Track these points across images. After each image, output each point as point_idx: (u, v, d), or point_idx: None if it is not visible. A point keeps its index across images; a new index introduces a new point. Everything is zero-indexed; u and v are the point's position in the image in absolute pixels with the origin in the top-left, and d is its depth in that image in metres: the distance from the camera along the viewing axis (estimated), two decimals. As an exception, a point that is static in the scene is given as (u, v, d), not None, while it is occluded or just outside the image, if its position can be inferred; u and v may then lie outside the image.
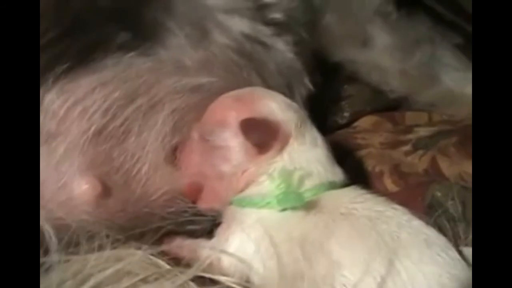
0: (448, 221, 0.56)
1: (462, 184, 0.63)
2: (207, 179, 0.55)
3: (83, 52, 0.54)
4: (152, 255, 0.49)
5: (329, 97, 0.87)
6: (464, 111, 0.80)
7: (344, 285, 0.44)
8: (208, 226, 0.55)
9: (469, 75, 0.84)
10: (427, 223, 0.49)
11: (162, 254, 0.49)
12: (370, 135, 0.80)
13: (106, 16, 0.56)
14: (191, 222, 0.56)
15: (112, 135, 0.54)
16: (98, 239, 0.49)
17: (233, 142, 0.53)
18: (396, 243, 0.45)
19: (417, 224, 0.48)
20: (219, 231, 0.52)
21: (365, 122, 0.87)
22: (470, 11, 0.90)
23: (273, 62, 0.68)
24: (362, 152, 0.74)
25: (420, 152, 0.71)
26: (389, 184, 0.67)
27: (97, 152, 0.53)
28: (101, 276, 0.46)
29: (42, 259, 0.46)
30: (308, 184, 0.51)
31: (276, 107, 0.54)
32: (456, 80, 0.87)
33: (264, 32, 0.68)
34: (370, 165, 0.70)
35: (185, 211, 0.56)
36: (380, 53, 0.86)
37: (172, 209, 0.56)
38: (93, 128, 0.53)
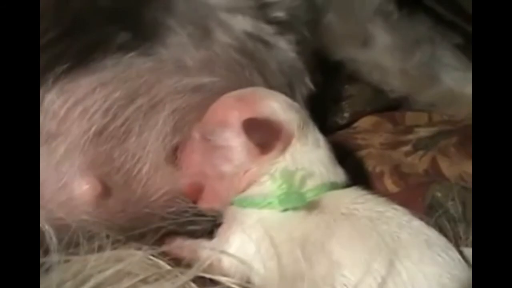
0: (448, 222, 0.56)
1: (462, 184, 0.63)
2: (208, 179, 0.54)
3: (83, 52, 0.54)
4: (153, 255, 0.49)
5: (330, 97, 0.87)
6: (464, 111, 0.80)
7: (345, 285, 0.43)
8: (209, 226, 0.55)
9: (469, 75, 0.84)
10: (428, 223, 0.49)
11: (163, 255, 0.49)
12: (370, 135, 0.79)
13: (106, 16, 0.56)
14: (192, 222, 0.56)
15: (113, 135, 0.54)
16: (98, 240, 0.49)
17: (235, 142, 0.53)
18: (396, 244, 0.45)
19: (418, 224, 0.48)
20: (220, 232, 0.52)
21: (365, 122, 0.87)
22: (470, 11, 0.90)
23: (275, 61, 0.68)
24: (362, 153, 0.74)
25: (420, 152, 0.71)
26: (390, 184, 0.67)
27: (97, 152, 0.53)
28: (101, 276, 0.46)
29: (42, 259, 0.46)
30: (310, 184, 0.51)
31: (278, 107, 0.54)
32: (456, 80, 0.87)
33: (266, 30, 0.68)
34: (370, 165, 0.70)
35: (186, 211, 0.56)
36: (381, 52, 0.86)
37: (173, 209, 0.56)
38: (93, 128, 0.53)
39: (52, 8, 0.50)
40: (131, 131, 0.55)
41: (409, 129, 0.80)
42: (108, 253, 0.48)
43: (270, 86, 0.63)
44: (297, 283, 0.45)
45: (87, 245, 0.49)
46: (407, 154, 0.72)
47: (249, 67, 0.64)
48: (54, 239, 0.48)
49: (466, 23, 0.97)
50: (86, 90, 0.54)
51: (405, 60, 0.86)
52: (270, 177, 0.51)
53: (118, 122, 0.54)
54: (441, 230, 0.51)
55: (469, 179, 0.63)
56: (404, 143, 0.75)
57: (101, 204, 0.52)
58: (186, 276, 0.47)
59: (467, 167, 0.65)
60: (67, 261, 0.47)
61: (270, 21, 0.69)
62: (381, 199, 0.51)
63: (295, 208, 0.49)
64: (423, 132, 0.78)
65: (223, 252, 0.49)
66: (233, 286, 0.48)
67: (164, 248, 0.51)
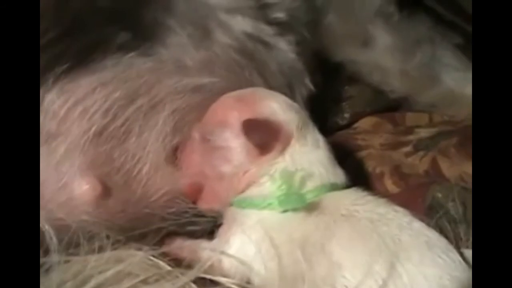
0: (448, 223, 0.56)
1: (462, 185, 0.63)
2: (207, 179, 0.54)
3: (83, 52, 0.54)
4: (153, 256, 0.49)
5: (330, 98, 0.87)
6: (465, 111, 0.80)
7: (345, 287, 0.43)
8: (209, 227, 0.55)
9: (470, 76, 0.83)
10: (428, 224, 0.49)
11: (163, 255, 0.49)
12: (370, 136, 0.79)
13: (106, 16, 0.56)
14: (192, 223, 0.55)
15: (113, 135, 0.54)
16: (99, 240, 0.49)
17: (234, 143, 0.53)
18: (397, 246, 0.45)
19: (418, 226, 0.48)
20: (220, 232, 0.52)
21: (365, 123, 0.87)
22: (470, 11, 0.90)
23: (275, 62, 0.68)
24: (363, 153, 0.74)
25: (421, 153, 0.71)
26: (390, 185, 0.67)
27: (97, 152, 0.53)
28: (102, 277, 0.46)
29: (42, 260, 0.46)
30: (310, 185, 0.51)
31: (278, 108, 0.54)
32: (457, 81, 0.87)
33: (266, 31, 0.68)
34: (371, 166, 0.70)
35: (186, 212, 0.56)
36: (381, 53, 0.86)
37: (173, 210, 0.56)
38: (93, 129, 0.53)
39: (52, 8, 0.50)
40: (131, 131, 0.55)
41: (410, 130, 0.80)
42: (108, 254, 0.48)
43: (270, 86, 0.63)
44: (297, 284, 0.45)
45: (87, 246, 0.49)
46: (408, 154, 0.72)
47: (249, 67, 0.64)
48: (54, 239, 0.48)
49: (466, 23, 0.97)
50: (86, 90, 0.54)
51: (406, 61, 0.86)
52: (269, 178, 0.50)
53: (118, 122, 0.54)
54: (442, 231, 0.51)
55: (470, 180, 0.63)
56: (405, 143, 0.75)
57: (101, 205, 0.52)
58: (187, 276, 0.47)
59: (468, 168, 0.65)
60: (67, 261, 0.47)
61: (270, 22, 0.69)
62: (382, 201, 0.51)
63: (295, 209, 0.48)
64: (423, 132, 0.78)
65: (223, 253, 0.49)
66: (233, 286, 0.48)
67: (165, 248, 0.51)
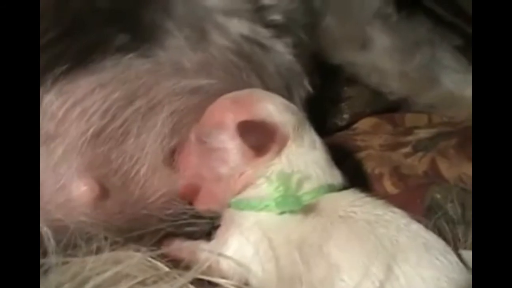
0: (447, 224, 0.56)
1: (461, 186, 0.63)
2: (204, 181, 0.54)
3: (82, 53, 0.54)
4: (151, 257, 0.49)
5: (329, 99, 0.87)
6: (464, 113, 0.80)
7: (343, 289, 0.43)
8: (207, 228, 0.55)
9: (469, 77, 0.84)
10: (426, 225, 0.49)
11: (161, 257, 0.49)
12: (369, 137, 0.79)
13: (105, 17, 0.56)
14: (190, 224, 0.55)
15: (111, 136, 0.54)
16: (97, 241, 0.49)
17: (230, 144, 0.53)
18: (394, 247, 0.45)
19: (416, 227, 0.47)
20: (218, 234, 0.52)
21: (364, 124, 0.87)
22: (470, 12, 0.90)
23: (272, 64, 0.68)
24: (362, 154, 0.74)
25: (420, 154, 0.71)
26: (389, 186, 0.67)
27: (95, 153, 0.53)
28: (100, 278, 0.46)
29: (40, 261, 0.46)
30: (307, 187, 0.51)
31: (274, 109, 0.54)
32: (456, 82, 0.87)
33: (264, 34, 0.68)
34: (370, 167, 0.70)
35: (184, 213, 0.56)
36: (380, 55, 0.86)
37: (171, 211, 0.56)
38: (91, 130, 0.53)
39: (51, 9, 0.50)
40: (130, 132, 0.55)
41: (409, 131, 0.80)
42: (106, 255, 0.48)
43: (268, 88, 0.63)
44: (295, 285, 0.45)
45: (85, 247, 0.49)
46: (407, 155, 0.72)
47: (246, 69, 0.64)
48: (52, 241, 0.48)
49: (465, 25, 0.97)
50: (85, 91, 0.54)
51: (405, 62, 0.86)
52: (266, 179, 0.50)
53: (116, 124, 0.54)
54: (440, 232, 0.51)
55: (468, 181, 0.63)
56: (404, 144, 0.75)
57: (99, 206, 0.52)
58: (185, 278, 0.47)
59: (467, 169, 0.65)
60: (65, 263, 0.47)
61: (267, 24, 0.69)
62: (379, 202, 0.50)
63: (292, 211, 0.48)
64: (422, 133, 0.78)
65: (221, 254, 0.49)
66: (231, 288, 0.48)
67: (163, 250, 0.51)
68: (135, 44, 0.57)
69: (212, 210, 0.54)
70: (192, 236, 0.55)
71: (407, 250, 0.45)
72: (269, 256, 0.47)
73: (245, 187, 0.52)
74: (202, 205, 0.55)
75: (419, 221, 0.48)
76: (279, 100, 0.56)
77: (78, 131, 0.52)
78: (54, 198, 0.51)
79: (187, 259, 0.51)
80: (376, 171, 0.69)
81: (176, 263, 0.50)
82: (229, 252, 0.49)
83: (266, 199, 0.49)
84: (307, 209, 0.49)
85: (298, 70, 0.72)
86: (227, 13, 0.64)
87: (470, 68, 0.84)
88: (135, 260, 0.48)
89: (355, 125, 0.87)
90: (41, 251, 0.47)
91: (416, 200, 0.62)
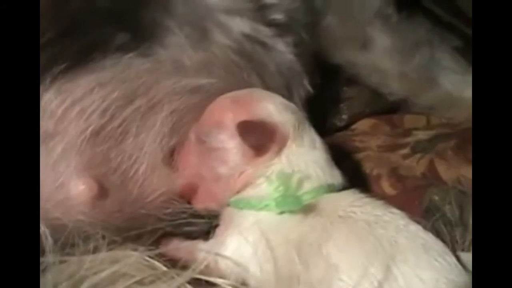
0: (445, 225, 0.56)
1: (459, 188, 0.63)
2: (204, 180, 0.54)
3: (82, 52, 0.54)
4: (149, 256, 0.49)
5: (328, 99, 0.87)
6: (463, 114, 0.80)
7: (342, 289, 0.43)
8: (206, 227, 0.55)
9: (468, 78, 0.84)
10: (425, 227, 0.48)
11: (159, 256, 0.49)
12: (368, 138, 0.79)
13: (105, 16, 0.56)
14: (188, 223, 0.55)
15: (110, 135, 0.54)
16: (94, 240, 0.49)
17: (230, 144, 0.52)
18: (393, 248, 0.45)
19: (415, 228, 0.47)
20: (217, 233, 0.52)
21: (363, 124, 0.87)
22: (469, 13, 0.90)
23: (273, 63, 0.68)
24: (360, 155, 0.74)
25: (418, 155, 0.71)
26: (387, 187, 0.67)
27: (94, 152, 0.53)
28: (97, 278, 0.46)
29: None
30: (307, 187, 0.51)
31: (274, 109, 0.54)
32: (455, 83, 0.87)
33: (265, 32, 0.68)
34: (368, 168, 0.70)
35: (182, 213, 0.55)
36: (380, 55, 0.86)
37: (169, 211, 0.55)
38: (90, 129, 0.53)
39: (51, 8, 0.50)
40: (129, 131, 0.55)
41: (407, 132, 0.80)
42: (104, 254, 0.48)
43: (268, 88, 0.63)
44: (293, 285, 0.45)
45: (83, 246, 0.49)
46: (405, 157, 0.72)
47: (247, 68, 0.64)
48: (50, 240, 0.48)
49: (465, 26, 0.97)
50: (84, 90, 0.54)
51: (404, 63, 0.86)
52: (266, 179, 0.50)
53: (115, 123, 0.54)
54: (438, 234, 0.51)
55: (467, 183, 0.63)
56: (402, 146, 0.75)
57: (98, 205, 0.52)
58: (182, 277, 0.47)
59: (465, 171, 0.65)
60: (62, 262, 0.47)
61: (269, 23, 0.69)
62: (379, 203, 0.50)
63: (292, 211, 0.48)
64: (421, 135, 0.78)
65: (219, 254, 0.49)
66: (229, 288, 0.48)
67: (161, 249, 0.51)
68: (135, 43, 0.57)
69: (211, 209, 0.54)
70: (190, 236, 0.55)
71: (406, 251, 0.45)
72: (267, 256, 0.47)
73: (244, 186, 0.52)
74: (201, 204, 0.55)
75: (417, 223, 0.48)
76: (279, 99, 0.56)
77: (77, 130, 0.52)
78: (52, 197, 0.51)
79: (185, 258, 0.51)
80: (374, 172, 0.69)
81: (174, 263, 0.50)
82: (228, 251, 0.49)
83: (266, 198, 0.49)
84: (307, 209, 0.49)
85: (298, 69, 0.72)
86: (228, 11, 0.64)
87: (469, 69, 0.84)
88: (133, 259, 0.48)
89: (354, 126, 0.87)
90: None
91: (414, 201, 0.62)
